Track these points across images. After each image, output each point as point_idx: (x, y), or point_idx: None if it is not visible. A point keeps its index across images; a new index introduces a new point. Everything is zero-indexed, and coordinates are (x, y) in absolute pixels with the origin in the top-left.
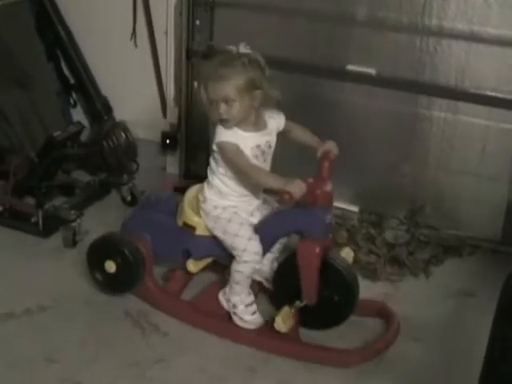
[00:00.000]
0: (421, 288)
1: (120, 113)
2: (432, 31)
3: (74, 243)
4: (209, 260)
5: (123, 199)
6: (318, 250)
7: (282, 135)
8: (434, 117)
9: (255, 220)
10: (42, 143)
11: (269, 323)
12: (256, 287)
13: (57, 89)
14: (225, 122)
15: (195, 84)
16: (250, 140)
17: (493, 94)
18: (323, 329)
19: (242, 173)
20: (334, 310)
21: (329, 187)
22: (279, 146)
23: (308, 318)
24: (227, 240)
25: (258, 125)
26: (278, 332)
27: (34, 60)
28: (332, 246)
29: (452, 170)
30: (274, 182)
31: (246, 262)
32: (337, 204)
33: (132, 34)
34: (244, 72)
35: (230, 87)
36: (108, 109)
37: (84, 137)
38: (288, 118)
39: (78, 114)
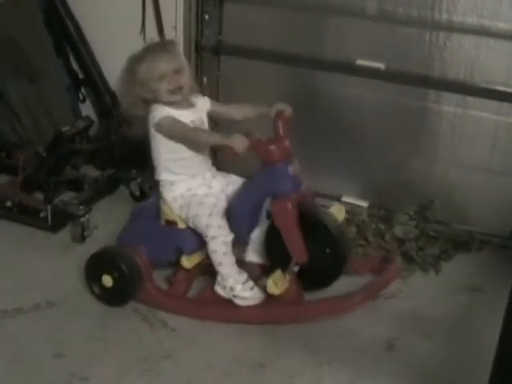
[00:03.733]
0: (430, 283)
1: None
2: (442, 25)
3: (83, 238)
4: (202, 254)
5: (132, 194)
6: (289, 205)
7: (226, 118)
8: (444, 111)
9: (217, 189)
10: (50, 138)
11: (271, 297)
12: (257, 270)
13: (66, 84)
14: (178, 93)
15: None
16: (185, 116)
17: (502, 88)
18: (324, 287)
19: (184, 137)
20: (329, 263)
21: (284, 142)
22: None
23: (307, 279)
24: (193, 224)
25: (188, 104)
26: (282, 302)
27: (43, 55)
28: (312, 200)
29: (461, 165)
30: (215, 138)
31: (213, 237)
32: (346, 199)
33: (141, 29)
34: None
35: (178, 56)
36: (117, 104)
37: (93, 132)
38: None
39: (87, 109)
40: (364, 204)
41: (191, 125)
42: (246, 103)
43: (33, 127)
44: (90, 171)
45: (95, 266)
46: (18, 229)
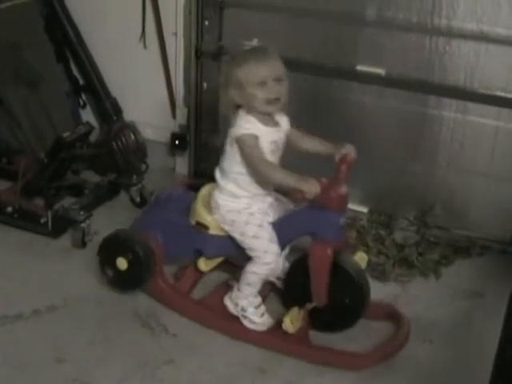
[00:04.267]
0: (430, 289)
1: (129, 113)
2: (441, 31)
3: (84, 244)
4: (220, 259)
5: (132, 200)
6: (330, 252)
7: (294, 145)
8: (444, 117)
9: (270, 219)
10: (51, 144)
11: (278, 324)
12: (267, 287)
13: (66, 89)
14: (274, 104)
15: (223, 76)
16: (269, 135)
17: (502, 94)
18: (333, 331)
19: (256, 168)
20: (345, 313)
21: (344, 190)
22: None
23: (318, 320)
24: (246, 242)
25: (273, 121)
26: (287, 333)
27: (43, 61)
28: (344, 249)
29: (461, 171)
30: (289, 180)
31: (266, 263)
32: None
33: (141, 35)
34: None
35: (281, 65)
36: (117, 109)
37: (93, 137)
38: (297, 127)
39: (88, 115)
40: (364, 209)
41: (271, 146)
42: (317, 137)
43: (33, 133)
44: (91, 177)
45: (110, 249)
46: (19, 234)
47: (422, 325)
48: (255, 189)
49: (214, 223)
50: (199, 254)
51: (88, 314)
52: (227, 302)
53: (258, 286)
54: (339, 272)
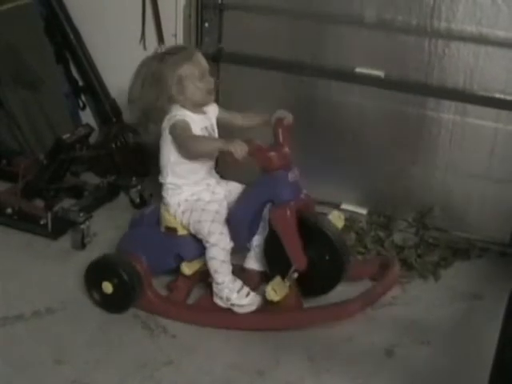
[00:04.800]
0: (429, 290)
1: (129, 115)
2: (440, 33)
3: (83, 245)
4: (202, 261)
5: (132, 202)
6: (288, 212)
7: (230, 126)
8: (443, 119)
9: (220, 195)
10: (50, 145)
11: (271, 304)
12: (257, 277)
13: (66, 91)
14: (212, 93)
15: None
16: (199, 122)
17: (501, 96)
18: (326, 292)
19: (187, 145)
20: (329, 270)
21: (283, 150)
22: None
23: (308, 285)
24: (194, 230)
25: (202, 110)
26: (281, 308)
27: (43, 62)
28: (311, 207)
29: (460, 173)
30: (216, 144)
31: (214, 244)
32: (345, 206)
33: (141, 37)
34: None
35: (205, 63)
36: (117, 111)
37: (93, 139)
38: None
39: (87, 117)
40: (363, 211)
41: (203, 131)
42: (249, 111)
43: (33, 134)
44: (91, 178)
45: (95, 273)
46: (19, 236)
47: (420, 327)
48: (195, 174)
49: (178, 223)
50: (180, 259)
51: (87, 315)
52: (216, 300)
53: (225, 271)
54: (310, 230)
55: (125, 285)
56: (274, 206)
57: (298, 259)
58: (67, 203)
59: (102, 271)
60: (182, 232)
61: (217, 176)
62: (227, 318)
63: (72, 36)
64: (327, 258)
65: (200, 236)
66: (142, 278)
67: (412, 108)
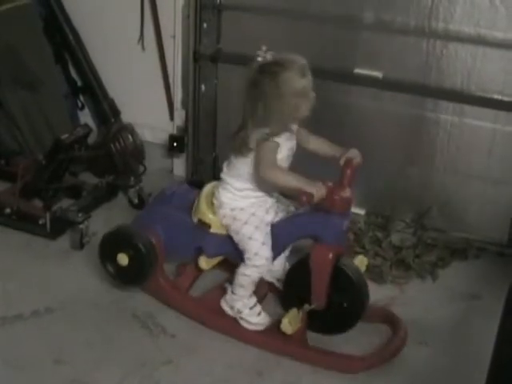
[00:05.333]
0: (427, 291)
1: (127, 115)
2: (439, 34)
3: (82, 245)
4: (220, 258)
5: (130, 202)
6: (331, 255)
7: (301, 145)
8: (441, 120)
9: (270, 217)
10: (49, 145)
11: (276, 324)
12: (266, 287)
13: (64, 91)
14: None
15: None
16: (288, 141)
17: (499, 97)
18: (330, 334)
19: (266, 171)
20: (343, 316)
21: (348, 194)
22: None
23: (316, 321)
24: (240, 241)
25: (290, 129)
26: (285, 334)
27: (42, 62)
28: (345, 252)
29: (458, 173)
30: (297, 183)
31: (255, 266)
32: None
33: (139, 37)
34: None
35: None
36: (115, 111)
37: (91, 139)
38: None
39: (85, 117)
40: (361, 212)
41: (289, 152)
42: (323, 138)
43: (32, 135)
44: (89, 178)
45: (111, 244)
46: (17, 236)
47: (418, 327)
48: (263, 190)
49: (216, 222)
50: (200, 252)
51: (86, 315)
52: (223, 304)
53: (250, 288)
54: (339, 275)
55: (141, 256)
56: (319, 244)
57: (320, 300)
58: (66, 203)
59: (118, 242)
60: (214, 230)
61: (277, 195)
62: (230, 327)
63: (71, 36)
64: (345, 305)
65: (242, 249)
66: (157, 253)
67: (410, 109)
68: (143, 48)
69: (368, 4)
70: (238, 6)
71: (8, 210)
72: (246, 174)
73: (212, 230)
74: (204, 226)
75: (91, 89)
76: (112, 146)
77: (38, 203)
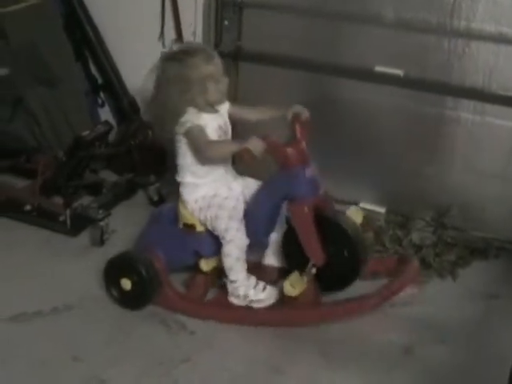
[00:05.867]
0: (447, 290)
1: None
2: (460, 33)
3: (102, 242)
4: (220, 258)
5: (150, 199)
6: (305, 208)
7: (243, 120)
8: (461, 118)
9: (235, 192)
10: (69, 143)
11: (290, 301)
12: (275, 273)
13: (85, 88)
14: (220, 100)
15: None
16: (214, 121)
17: None
18: (341, 288)
19: (205, 151)
20: (347, 265)
21: (301, 145)
22: None
23: (326, 281)
24: (211, 226)
25: (214, 108)
26: (299, 303)
27: (62, 60)
28: (330, 204)
29: (478, 172)
30: (234, 146)
31: (230, 241)
32: (364, 205)
33: (160, 34)
34: None
35: (221, 63)
36: (136, 109)
37: (111, 137)
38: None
39: (106, 114)
40: (381, 210)
41: (218, 131)
42: (261, 106)
43: (52, 132)
44: (109, 176)
45: (114, 270)
46: (37, 232)
47: (437, 325)
48: (213, 172)
49: (196, 220)
50: (198, 255)
51: (105, 312)
52: (231, 299)
53: (240, 267)
54: (328, 226)
55: (144, 281)
56: (292, 202)
57: (316, 254)
58: (86, 200)
59: (120, 268)
60: (199, 229)
61: (233, 172)
62: (244, 314)
63: (91, 33)
64: (345, 252)
65: (216, 232)
66: (160, 274)
67: (431, 107)
68: (163, 45)
69: (389, 2)
70: (259, 4)
71: (28, 207)
72: (186, 165)
73: (198, 230)
74: (190, 228)
75: (111, 86)
76: (132, 143)
77: (58, 200)
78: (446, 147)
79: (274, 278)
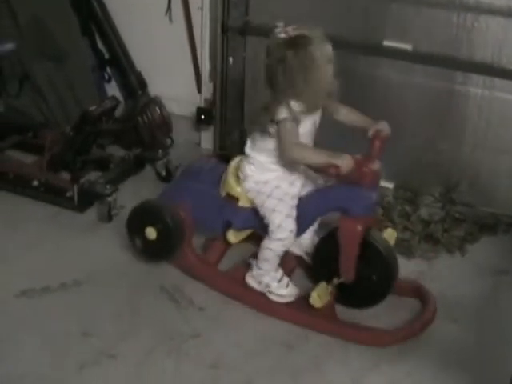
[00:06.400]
0: (456, 266)
1: (155, 88)
2: (469, 7)
3: (110, 218)
4: (249, 232)
5: (158, 174)
6: (360, 228)
7: (331, 116)
8: (471, 93)
9: (295, 189)
10: (76, 118)
11: (305, 298)
12: (294, 262)
13: (91, 63)
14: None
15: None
16: (311, 116)
17: None
18: (359, 307)
19: (290, 152)
20: (372, 290)
21: (377, 166)
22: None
23: (345, 295)
24: (265, 214)
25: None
26: (314, 308)
27: (69, 35)
28: (374, 225)
29: (488, 147)
30: (323, 157)
31: (279, 239)
32: None
33: (167, 9)
34: None
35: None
36: (143, 84)
37: (118, 112)
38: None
39: (113, 90)
40: (390, 185)
41: (312, 127)
42: (353, 109)
43: (59, 107)
44: (116, 151)
45: (139, 219)
46: (45, 208)
47: (446, 302)
48: (288, 165)
49: (244, 195)
50: (228, 225)
51: (114, 287)
52: (249, 280)
53: (275, 262)
54: (368, 248)
55: (169, 231)
56: (346, 216)
57: (349, 273)
58: (93, 176)
59: (146, 216)
60: (242, 203)
61: (304, 170)
62: (260, 301)
63: (98, 8)
64: (374, 277)
65: (267, 222)
66: (185, 227)
67: (440, 82)
68: (170, 20)
69: None
70: None
71: (36, 183)
72: (270, 150)
73: (240, 204)
74: (232, 199)
75: (118, 61)
76: (139, 118)
77: (65, 176)
78: (456, 122)
79: (293, 265)
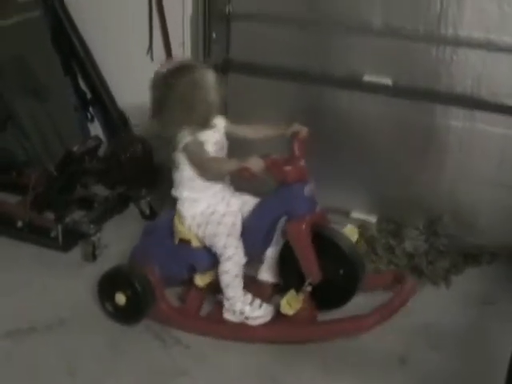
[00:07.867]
0: (441, 297)
1: (137, 127)
2: (448, 40)
3: (94, 257)
4: (215, 273)
5: (142, 213)
6: (303, 226)
7: (239, 137)
8: (451, 126)
9: (234, 207)
10: (60, 157)
11: (287, 320)
12: (270, 289)
13: (74, 103)
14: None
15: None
16: (212, 136)
17: (510, 102)
18: (340, 306)
19: (205, 167)
20: (343, 284)
21: (299, 163)
22: None
23: (322, 299)
24: (209, 243)
25: (211, 124)
26: (292, 319)
27: (51, 74)
28: (326, 221)
29: (470, 179)
30: (233, 164)
31: (228, 258)
32: (355, 214)
33: (148, 48)
34: None
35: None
36: (125, 123)
37: (101, 152)
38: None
39: (96, 129)
40: (373, 219)
41: (216, 146)
42: (260, 124)
43: (42, 146)
44: (100, 190)
45: (108, 284)
46: (29, 248)
47: (432, 333)
48: (211, 188)
49: (192, 235)
50: (193, 270)
51: (100, 326)
52: (226, 315)
53: (238, 284)
54: (325, 245)
55: (138, 296)
56: (290, 219)
57: (313, 273)
58: (77, 215)
59: (115, 282)
60: (196, 244)
61: (231, 188)
62: (241, 331)
63: (79, 47)
64: (341, 271)
65: (214, 249)
66: (155, 289)
67: (421, 115)
68: (152, 58)
69: (377, 10)
70: (247, 16)
71: (20, 223)
72: (185, 181)
73: (194, 245)
74: (186, 243)
75: (101, 101)
76: (123, 157)
77: (49, 215)
78: (437, 155)
79: (269, 293)
